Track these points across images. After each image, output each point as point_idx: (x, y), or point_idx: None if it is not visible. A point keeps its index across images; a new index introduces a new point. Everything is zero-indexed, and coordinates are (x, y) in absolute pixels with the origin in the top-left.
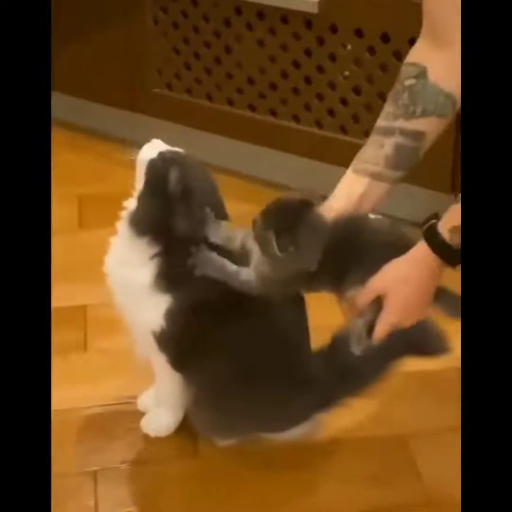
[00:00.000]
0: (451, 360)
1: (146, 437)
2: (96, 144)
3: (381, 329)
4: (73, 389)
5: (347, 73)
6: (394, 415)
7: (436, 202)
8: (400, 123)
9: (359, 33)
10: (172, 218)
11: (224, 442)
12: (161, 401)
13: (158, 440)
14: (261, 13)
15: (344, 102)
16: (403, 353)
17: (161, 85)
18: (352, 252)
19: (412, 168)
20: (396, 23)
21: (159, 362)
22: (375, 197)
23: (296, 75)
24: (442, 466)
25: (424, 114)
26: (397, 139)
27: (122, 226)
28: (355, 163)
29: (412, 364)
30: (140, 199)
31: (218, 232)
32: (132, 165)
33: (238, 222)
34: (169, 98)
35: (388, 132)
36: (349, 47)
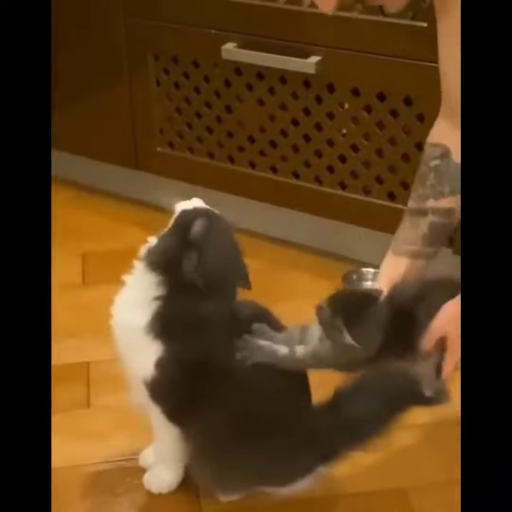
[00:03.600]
0: (451, 413)
1: (149, 494)
2: (100, 202)
3: (449, 368)
4: (76, 446)
5: (345, 131)
6: (395, 468)
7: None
8: (431, 203)
9: (355, 92)
10: (181, 260)
11: (227, 498)
12: (161, 457)
13: (160, 497)
14: (261, 73)
15: (342, 159)
16: (404, 405)
17: (163, 144)
18: (411, 326)
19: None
20: (391, 82)
21: (155, 414)
22: (415, 274)
23: (296, 133)
24: None
25: (452, 192)
26: (430, 218)
27: (136, 269)
28: (394, 245)
29: (412, 418)
30: (160, 237)
31: (277, 339)
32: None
33: None
34: (171, 157)
35: (420, 213)
36: (346, 106)
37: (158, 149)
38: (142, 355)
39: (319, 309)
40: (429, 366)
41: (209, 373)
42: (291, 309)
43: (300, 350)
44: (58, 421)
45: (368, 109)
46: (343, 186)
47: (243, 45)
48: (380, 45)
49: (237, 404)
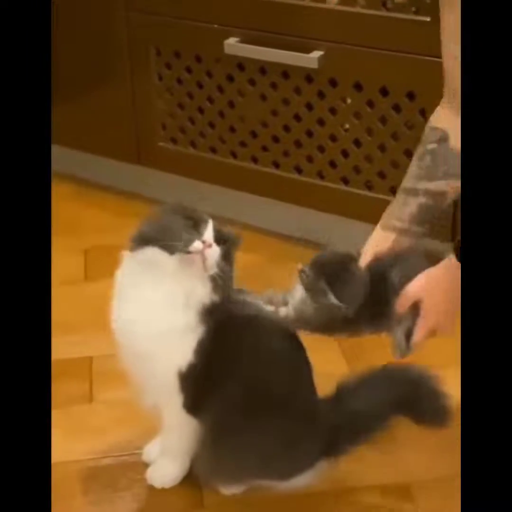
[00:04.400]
0: (454, 408)
1: (151, 488)
2: (102, 197)
3: (419, 334)
4: (78, 441)
5: (347, 125)
6: (397, 463)
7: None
8: (424, 184)
9: (358, 87)
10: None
11: (229, 491)
12: (167, 452)
13: (163, 491)
14: (263, 68)
15: (345, 154)
16: (405, 408)
17: (166, 139)
18: (387, 289)
19: (435, 223)
20: (394, 77)
21: (172, 408)
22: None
23: (298, 128)
24: None
25: (446, 176)
26: (421, 199)
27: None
28: (383, 220)
29: None
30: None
31: (257, 299)
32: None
33: (241, 271)
34: (174, 152)
35: (412, 192)
36: (349, 100)
37: (160, 144)
38: (179, 348)
39: (301, 273)
40: (401, 331)
41: (227, 343)
42: None
43: (283, 310)
44: (60, 416)
45: (370, 104)
46: (345, 181)
47: (245, 40)
48: (382, 39)
49: (245, 386)
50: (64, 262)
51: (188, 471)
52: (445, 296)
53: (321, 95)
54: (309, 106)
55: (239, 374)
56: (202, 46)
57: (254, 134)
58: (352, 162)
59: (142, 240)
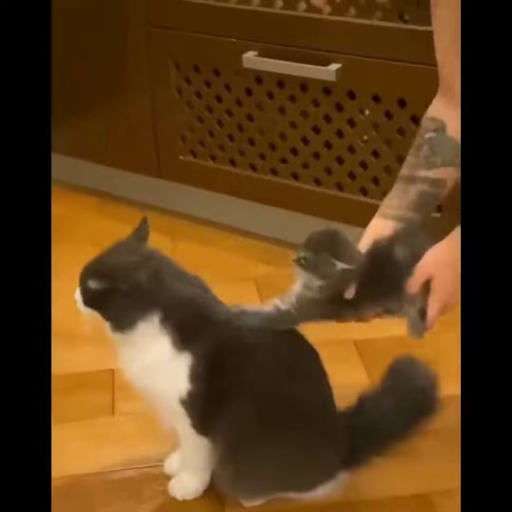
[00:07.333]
0: None
1: (173, 500)
2: (123, 210)
3: (433, 312)
4: (101, 453)
5: (365, 137)
6: (417, 473)
7: None
8: (422, 173)
9: (376, 99)
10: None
11: (251, 503)
12: (187, 465)
13: (184, 503)
14: (281, 82)
15: (363, 165)
16: (426, 412)
17: (186, 152)
18: (391, 267)
19: (433, 210)
20: (411, 88)
21: (184, 430)
22: None
23: (317, 140)
24: None
25: (444, 164)
26: (420, 186)
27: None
28: (382, 208)
29: (435, 422)
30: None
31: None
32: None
33: (260, 283)
34: (193, 165)
35: (411, 180)
36: (367, 112)
37: (180, 157)
38: (173, 378)
39: (299, 260)
40: (414, 310)
41: (230, 361)
42: None
43: (285, 304)
44: (83, 428)
45: (388, 115)
46: (364, 192)
47: (263, 54)
48: (400, 51)
49: (257, 401)
50: None
51: (210, 483)
52: (451, 272)
53: (339, 107)
54: (328, 118)
55: (249, 390)
56: (220, 60)
57: (273, 147)
58: (371, 173)
59: None
